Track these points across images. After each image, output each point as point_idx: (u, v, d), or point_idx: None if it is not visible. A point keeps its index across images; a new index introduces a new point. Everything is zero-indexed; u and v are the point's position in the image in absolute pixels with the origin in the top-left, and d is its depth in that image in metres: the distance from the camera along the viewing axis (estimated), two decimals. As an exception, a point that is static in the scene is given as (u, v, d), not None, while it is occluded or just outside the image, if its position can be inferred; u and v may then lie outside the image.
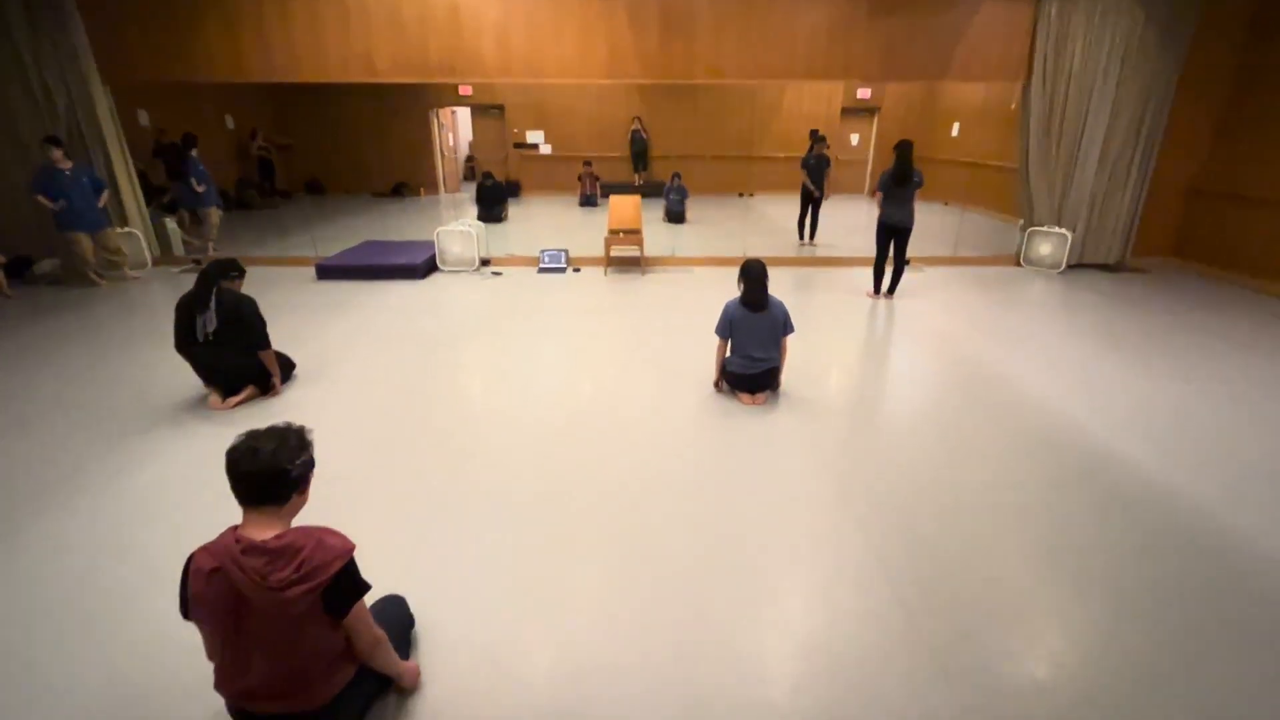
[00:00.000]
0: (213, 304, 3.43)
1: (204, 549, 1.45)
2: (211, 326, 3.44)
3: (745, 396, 3.67)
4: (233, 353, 3.53)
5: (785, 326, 3.62)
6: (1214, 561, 2.39)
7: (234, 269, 3.57)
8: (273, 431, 1.52)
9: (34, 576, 2.27)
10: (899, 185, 5.39)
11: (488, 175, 9.90)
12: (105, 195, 6.15)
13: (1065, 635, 2.07)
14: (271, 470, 1.45)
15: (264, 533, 1.44)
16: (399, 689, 1.80)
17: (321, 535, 1.48)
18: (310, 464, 1.56)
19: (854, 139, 13.17)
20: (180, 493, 2.78)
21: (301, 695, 1.50)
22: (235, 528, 1.47)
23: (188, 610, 1.48)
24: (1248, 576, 2.31)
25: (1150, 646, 2.00)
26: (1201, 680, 1.88)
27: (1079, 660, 1.96)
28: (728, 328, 3.64)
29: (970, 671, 1.90)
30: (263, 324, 3.60)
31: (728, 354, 3.71)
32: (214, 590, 1.41)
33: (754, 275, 3.57)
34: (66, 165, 5.76)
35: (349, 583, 1.50)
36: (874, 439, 3.34)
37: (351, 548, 1.52)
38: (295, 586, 1.39)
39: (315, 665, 1.51)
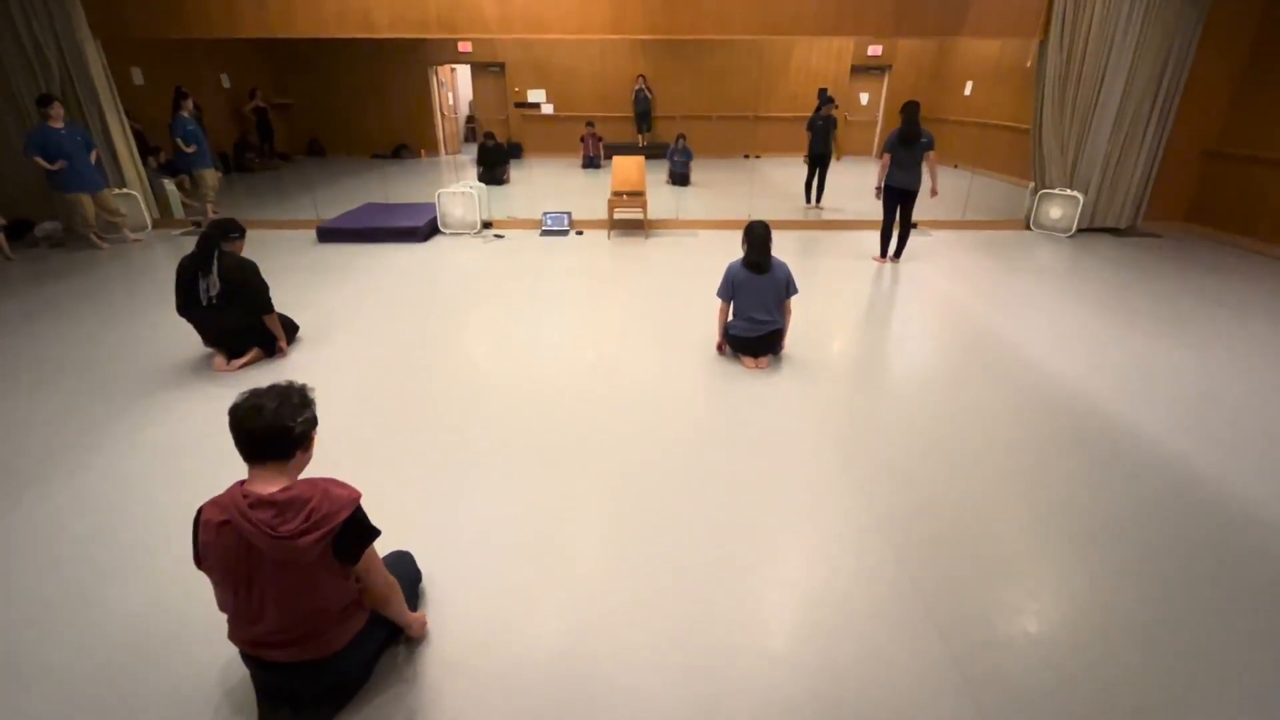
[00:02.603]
0: (214, 267, 3.42)
1: (213, 502, 1.48)
2: (214, 290, 3.43)
3: (748, 360, 3.67)
4: (235, 316, 3.53)
5: (789, 288, 3.60)
6: (1210, 523, 2.41)
7: (234, 229, 3.55)
8: (275, 389, 1.53)
9: (51, 531, 2.32)
10: (905, 147, 5.28)
11: (489, 136, 9.74)
12: (95, 154, 6.06)
13: (1059, 592, 2.11)
14: (275, 427, 1.47)
15: (270, 487, 1.46)
16: (408, 639, 1.86)
17: (327, 486, 1.51)
18: (313, 421, 1.57)
19: (864, 98, 12.84)
20: (189, 451, 2.82)
21: (313, 643, 1.55)
22: (242, 482, 1.49)
23: (200, 561, 1.51)
24: (1242, 537, 2.33)
25: (1143, 603, 2.04)
26: (1192, 635, 1.92)
27: (1071, 615, 2.00)
28: (730, 289, 3.61)
29: (964, 625, 1.94)
30: (265, 288, 3.60)
31: (730, 317, 3.70)
32: (224, 541, 1.44)
33: (757, 236, 3.53)
34: (60, 123, 5.68)
35: (358, 529, 1.54)
36: (876, 402, 3.35)
37: (358, 496, 1.54)
38: (305, 536, 1.42)
39: (327, 614, 1.55)
